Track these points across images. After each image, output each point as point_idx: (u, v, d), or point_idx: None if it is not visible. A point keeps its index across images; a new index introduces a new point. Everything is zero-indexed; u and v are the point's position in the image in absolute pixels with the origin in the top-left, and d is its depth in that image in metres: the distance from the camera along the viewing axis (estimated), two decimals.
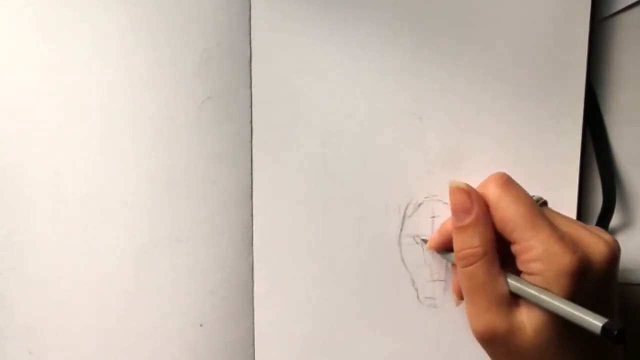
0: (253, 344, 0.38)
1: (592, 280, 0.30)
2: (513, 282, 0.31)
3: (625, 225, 0.39)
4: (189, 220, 0.37)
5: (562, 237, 0.30)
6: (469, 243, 0.32)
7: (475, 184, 0.36)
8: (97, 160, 0.37)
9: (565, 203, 0.36)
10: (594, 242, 0.31)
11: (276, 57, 0.36)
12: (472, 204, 0.32)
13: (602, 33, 0.37)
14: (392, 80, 0.36)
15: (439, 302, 0.37)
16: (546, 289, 0.30)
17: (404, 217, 0.37)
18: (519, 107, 0.36)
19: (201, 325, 0.38)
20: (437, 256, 0.37)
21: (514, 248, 0.32)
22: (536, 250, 0.30)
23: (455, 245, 0.33)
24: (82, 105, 0.37)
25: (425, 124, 0.37)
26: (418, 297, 0.37)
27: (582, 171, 0.37)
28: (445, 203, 0.37)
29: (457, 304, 0.37)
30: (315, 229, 0.37)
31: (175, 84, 0.37)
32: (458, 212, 0.33)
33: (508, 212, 0.32)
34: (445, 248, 0.35)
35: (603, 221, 0.38)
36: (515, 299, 0.31)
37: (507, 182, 0.33)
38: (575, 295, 0.30)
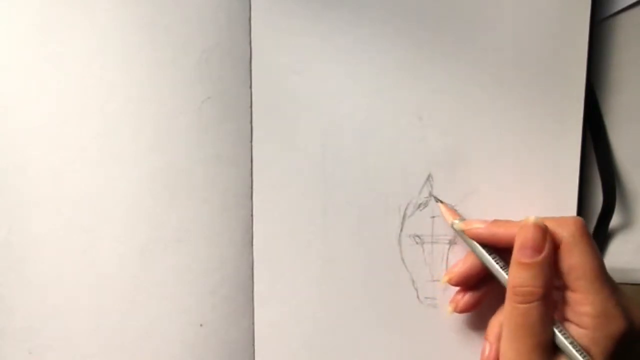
0: (253, 344, 0.38)
1: (633, 348, 0.31)
2: (560, 335, 0.31)
3: (625, 225, 0.39)
4: (189, 220, 0.37)
5: (619, 301, 0.31)
6: (531, 282, 0.31)
7: (475, 184, 0.36)
8: (97, 160, 0.37)
9: (565, 203, 0.36)
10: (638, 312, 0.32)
11: (276, 57, 0.36)
12: (545, 244, 0.32)
13: (602, 33, 0.37)
14: (392, 80, 0.36)
15: (439, 302, 0.37)
16: (587, 351, 0.30)
17: (404, 217, 0.37)
18: (519, 107, 0.36)
19: (201, 325, 0.38)
20: (437, 256, 0.37)
21: (572, 296, 0.32)
22: (594, 307, 0.31)
23: (513, 280, 0.32)
24: (82, 105, 0.37)
25: (425, 124, 0.37)
26: (418, 297, 0.37)
27: (582, 171, 0.37)
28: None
29: (443, 283, 0.36)
30: (315, 229, 0.37)
31: (175, 84, 0.37)
32: (527, 248, 0.32)
33: (580, 260, 0.31)
34: (485, 242, 0.34)
35: (603, 221, 0.38)
36: (555, 349, 0.31)
37: (586, 230, 0.32)
38: (617, 357, 0.30)
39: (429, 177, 0.37)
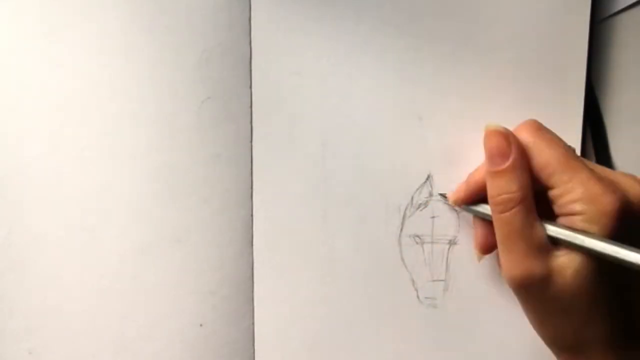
0: (253, 344, 0.38)
1: (630, 220, 0.30)
2: (552, 227, 0.31)
3: None
4: (189, 220, 0.37)
5: (600, 178, 0.30)
6: (507, 188, 0.31)
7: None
8: (97, 160, 0.37)
9: None
10: (630, 183, 0.31)
11: (276, 57, 0.36)
12: (510, 147, 0.32)
13: (602, 33, 0.37)
14: (392, 80, 0.36)
15: (439, 302, 0.37)
16: (585, 231, 0.30)
17: (404, 217, 0.37)
18: (519, 107, 0.36)
19: (201, 325, 0.38)
20: (437, 256, 0.37)
21: (552, 193, 0.31)
22: (576, 192, 0.30)
23: (491, 191, 0.32)
24: (82, 105, 0.37)
25: (425, 124, 0.37)
26: (418, 297, 0.37)
27: None
28: (445, 203, 0.37)
29: (479, 260, 0.36)
30: (315, 229, 0.37)
31: (175, 84, 0.37)
32: (494, 156, 0.32)
33: (544, 157, 0.31)
34: (472, 200, 0.34)
35: None
36: (552, 244, 0.31)
37: (540, 128, 0.32)
38: (616, 235, 0.29)
39: (429, 177, 0.37)
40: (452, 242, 0.37)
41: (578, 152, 0.37)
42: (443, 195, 0.36)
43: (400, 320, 0.38)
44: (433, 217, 0.37)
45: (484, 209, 0.34)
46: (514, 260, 0.31)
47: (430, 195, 0.37)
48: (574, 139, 0.36)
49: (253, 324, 0.38)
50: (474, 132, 0.36)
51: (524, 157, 0.32)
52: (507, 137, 0.32)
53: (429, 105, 0.36)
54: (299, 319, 0.38)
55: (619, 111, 0.38)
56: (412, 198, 0.37)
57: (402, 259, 0.37)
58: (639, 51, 0.37)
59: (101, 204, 0.37)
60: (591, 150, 0.38)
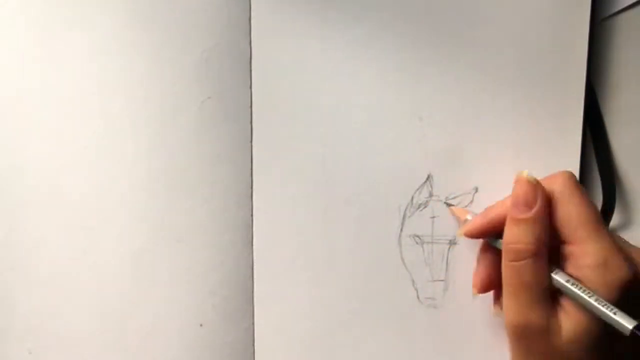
0: (253, 344, 0.38)
1: (636, 295, 0.30)
2: (559, 277, 0.31)
3: (625, 225, 0.39)
4: (189, 220, 0.37)
5: (620, 248, 0.30)
6: (523, 238, 0.31)
7: (475, 184, 0.36)
8: (96, 160, 0.37)
9: None
10: None
11: (276, 57, 0.36)
12: (536, 199, 0.31)
13: (602, 33, 0.37)
14: (392, 80, 0.36)
15: (439, 302, 0.37)
16: (590, 290, 0.30)
17: (404, 217, 0.37)
18: (519, 106, 0.36)
19: (201, 325, 0.38)
20: (437, 256, 0.37)
21: (570, 248, 0.31)
22: (595, 257, 0.30)
23: (507, 237, 0.32)
24: (82, 105, 0.37)
25: (425, 124, 0.37)
26: (418, 297, 0.37)
27: (582, 171, 0.37)
28: (445, 203, 0.37)
29: (475, 295, 0.36)
30: (315, 229, 0.37)
31: (175, 84, 0.37)
32: (519, 204, 0.32)
33: (575, 211, 0.31)
34: (485, 236, 0.34)
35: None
36: (555, 297, 0.31)
37: (576, 182, 0.32)
38: (621, 306, 0.30)
39: (429, 177, 0.37)
40: (452, 242, 0.37)
41: (578, 152, 0.37)
42: (448, 204, 0.36)
43: (400, 320, 0.38)
44: (433, 217, 0.37)
45: (497, 243, 0.34)
46: (516, 308, 0.31)
47: (430, 195, 0.37)
48: (574, 139, 0.36)
49: (253, 324, 0.38)
50: (474, 132, 0.36)
51: (547, 211, 0.32)
52: (536, 188, 0.32)
53: (429, 105, 0.36)
54: (299, 319, 0.38)
55: (619, 111, 0.38)
56: (412, 198, 0.37)
57: (402, 259, 0.37)
58: (639, 51, 0.37)
59: (101, 204, 0.37)
60: (591, 150, 0.38)
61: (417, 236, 0.37)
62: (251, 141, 0.37)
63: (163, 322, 0.38)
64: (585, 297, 0.30)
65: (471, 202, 0.37)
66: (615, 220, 0.38)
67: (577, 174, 0.37)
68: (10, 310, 0.38)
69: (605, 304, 0.29)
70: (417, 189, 0.37)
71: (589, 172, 0.38)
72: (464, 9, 0.36)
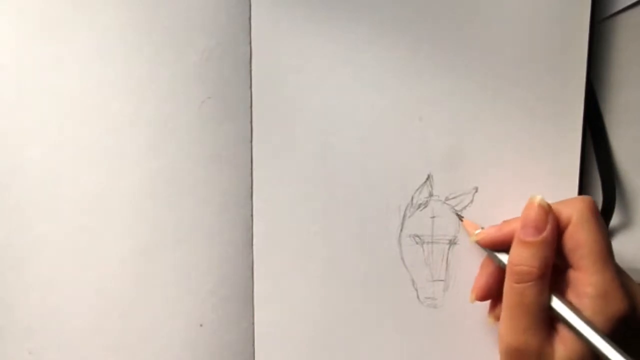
0: (253, 344, 0.38)
1: (632, 329, 0.31)
2: (559, 306, 0.31)
3: (625, 225, 0.39)
4: (189, 220, 0.37)
5: (623, 282, 0.31)
6: (529, 261, 0.31)
7: (475, 184, 0.36)
8: (97, 160, 0.37)
9: None
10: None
11: (276, 57, 0.36)
12: (546, 224, 0.32)
13: (602, 33, 0.37)
14: (392, 81, 0.36)
15: (439, 302, 0.37)
16: (589, 321, 0.30)
17: (404, 217, 0.37)
18: (519, 107, 0.36)
19: (201, 325, 0.38)
20: (437, 256, 0.37)
21: (574, 274, 0.32)
22: (596, 288, 0.30)
23: (512, 258, 0.32)
24: (82, 105, 0.37)
25: (425, 124, 0.37)
26: (418, 297, 0.37)
27: (582, 171, 0.37)
28: (445, 203, 0.37)
29: (472, 301, 0.36)
30: (315, 229, 0.37)
31: (175, 84, 0.37)
32: (528, 226, 0.32)
33: (586, 239, 0.31)
34: (497, 247, 0.34)
35: None
36: (552, 323, 0.31)
37: (596, 209, 0.32)
38: (616, 340, 0.30)
39: (429, 177, 0.37)
40: (452, 242, 0.37)
41: (578, 152, 0.37)
42: (460, 216, 0.36)
43: (400, 320, 0.38)
44: (433, 217, 0.37)
45: (503, 258, 0.34)
46: (514, 330, 0.31)
47: (430, 195, 0.37)
48: (574, 139, 0.36)
49: (253, 324, 0.38)
50: (474, 133, 0.36)
51: (555, 237, 0.32)
52: (547, 213, 0.32)
53: (429, 105, 0.36)
54: (299, 319, 0.38)
55: (619, 111, 0.38)
56: (412, 198, 0.37)
57: (402, 259, 0.37)
58: (639, 51, 0.37)
59: (101, 204, 0.37)
60: (591, 150, 0.38)
61: (417, 236, 0.37)
62: (251, 141, 0.37)
63: (163, 322, 0.38)
64: (585, 326, 0.30)
65: (471, 202, 0.37)
66: (615, 220, 0.38)
67: (577, 173, 0.37)
68: (10, 310, 0.38)
69: (604, 336, 0.30)
70: (417, 189, 0.37)
71: (589, 172, 0.38)
72: (464, 9, 0.36)
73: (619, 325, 0.30)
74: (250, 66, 0.37)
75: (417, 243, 0.37)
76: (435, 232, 0.37)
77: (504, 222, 0.35)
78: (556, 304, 0.31)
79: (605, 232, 0.32)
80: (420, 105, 0.36)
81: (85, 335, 0.38)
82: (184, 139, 0.37)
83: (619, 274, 0.31)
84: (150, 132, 0.37)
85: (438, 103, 0.36)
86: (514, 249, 0.32)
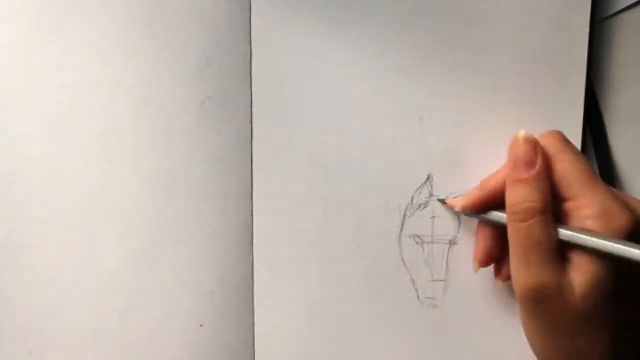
0: (253, 344, 0.38)
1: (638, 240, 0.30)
2: (568, 234, 0.30)
3: None
4: (189, 220, 0.37)
5: (617, 196, 0.30)
6: (529, 197, 0.31)
7: (475, 184, 0.36)
8: (97, 161, 0.37)
9: None
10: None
11: (276, 57, 0.36)
12: (537, 156, 0.31)
13: (602, 33, 0.37)
14: (392, 81, 0.36)
15: (439, 302, 0.37)
16: (597, 232, 0.29)
17: (404, 217, 0.37)
18: (519, 107, 0.36)
19: (201, 325, 0.38)
20: (437, 256, 0.37)
21: (569, 204, 0.31)
22: (593, 208, 0.30)
23: (511, 199, 0.31)
24: (82, 105, 0.37)
25: (425, 124, 0.37)
26: (418, 297, 0.37)
27: None
28: (439, 200, 0.37)
29: (477, 270, 0.36)
30: (315, 229, 0.37)
31: (175, 84, 0.37)
32: (519, 163, 0.31)
33: (567, 168, 0.31)
34: (484, 208, 0.34)
35: None
36: (563, 255, 0.31)
37: (565, 139, 0.32)
38: None
39: (429, 177, 0.37)
40: (452, 242, 0.37)
41: None
42: (442, 201, 0.36)
43: (400, 320, 0.38)
44: (433, 217, 0.37)
45: (496, 216, 0.34)
46: (528, 271, 0.30)
47: (430, 195, 0.37)
48: (574, 139, 0.36)
49: (253, 324, 0.38)
50: (474, 133, 0.36)
51: (548, 167, 0.31)
52: (535, 145, 0.32)
53: (429, 105, 0.36)
54: (299, 319, 0.38)
55: (619, 111, 0.38)
56: (412, 198, 0.37)
57: (402, 259, 0.37)
58: (639, 51, 0.37)
59: (101, 204, 0.37)
60: (591, 150, 0.38)
61: (417, 236, 0.37)
62: (251, 141, 0.37)
63: (163, 322, 0.38)
64: (600, 240, 0.29)
65: None
66: None
67: None
68: (10, 310, 0.38)
69: (622, 241, 0.29)
70: (417, 189, 0.37)
71: None
72: (464, 9, 0.36)
73: (626, 237, 0.29)
74: (250, 66, 0.37)
75: (417, 243, 0.37)
76: (435, 232, 0.37)
77: (483, 181, 0.34)
78: (564, 233, 0.31)
79: (582, 157, 0.32)
80: (420, 105, 0.36)
81: (86, 335, 0.38)
82: (184, 139, 0.37)
83: (611, 190, 0.31)
84: (150, 132, 0.37)
85: (438, 103, 0.36)
86: (509, 190, 0.32)
